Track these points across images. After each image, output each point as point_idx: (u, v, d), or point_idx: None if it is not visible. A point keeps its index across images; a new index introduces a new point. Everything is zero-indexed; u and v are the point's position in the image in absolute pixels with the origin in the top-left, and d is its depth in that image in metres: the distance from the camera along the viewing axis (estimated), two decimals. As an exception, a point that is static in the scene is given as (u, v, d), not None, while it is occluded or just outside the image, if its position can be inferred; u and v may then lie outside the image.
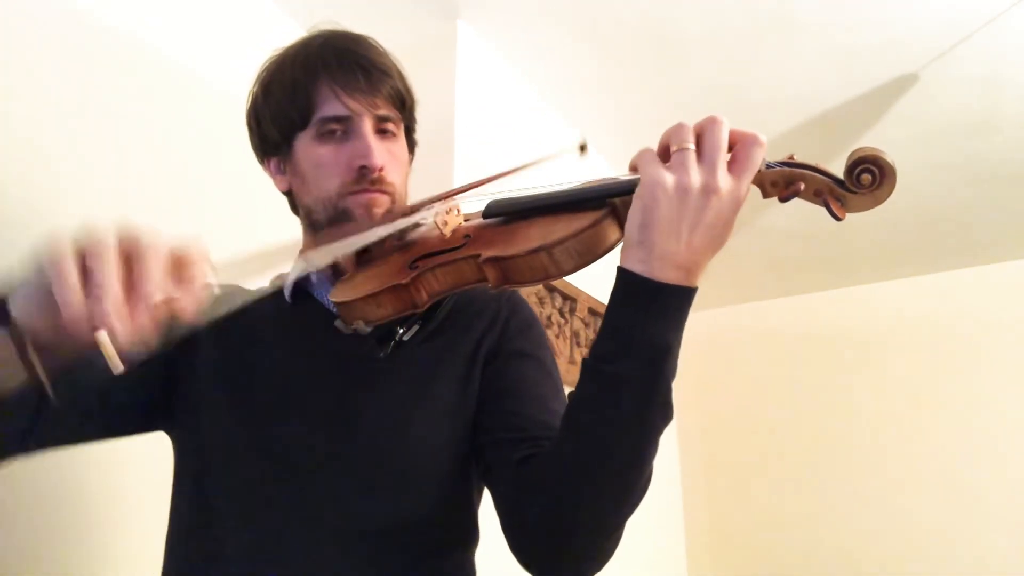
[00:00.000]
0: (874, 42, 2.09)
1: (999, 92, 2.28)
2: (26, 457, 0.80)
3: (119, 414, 0.88)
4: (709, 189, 0.62)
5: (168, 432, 0.93)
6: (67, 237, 0.53)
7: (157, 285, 0.54)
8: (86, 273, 0.52)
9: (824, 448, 3.44)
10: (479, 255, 0.73)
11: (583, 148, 0.87)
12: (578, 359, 2.37)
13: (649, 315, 0.65)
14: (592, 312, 2.45)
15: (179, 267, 0.55)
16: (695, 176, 0.62)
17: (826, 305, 3.62)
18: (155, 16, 1.58)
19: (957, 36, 2.06)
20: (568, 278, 1.62)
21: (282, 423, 0.85)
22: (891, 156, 0.60)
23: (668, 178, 0.63)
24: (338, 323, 0.83)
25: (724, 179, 0.63)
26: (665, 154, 0.65)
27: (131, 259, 0.54)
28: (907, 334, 3.40)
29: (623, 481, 0.70)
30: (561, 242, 0.68)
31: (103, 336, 0.51)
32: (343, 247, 0.76)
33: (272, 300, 0.98)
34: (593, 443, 0.68)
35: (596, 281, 2.25)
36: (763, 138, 0.64)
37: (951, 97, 2.31)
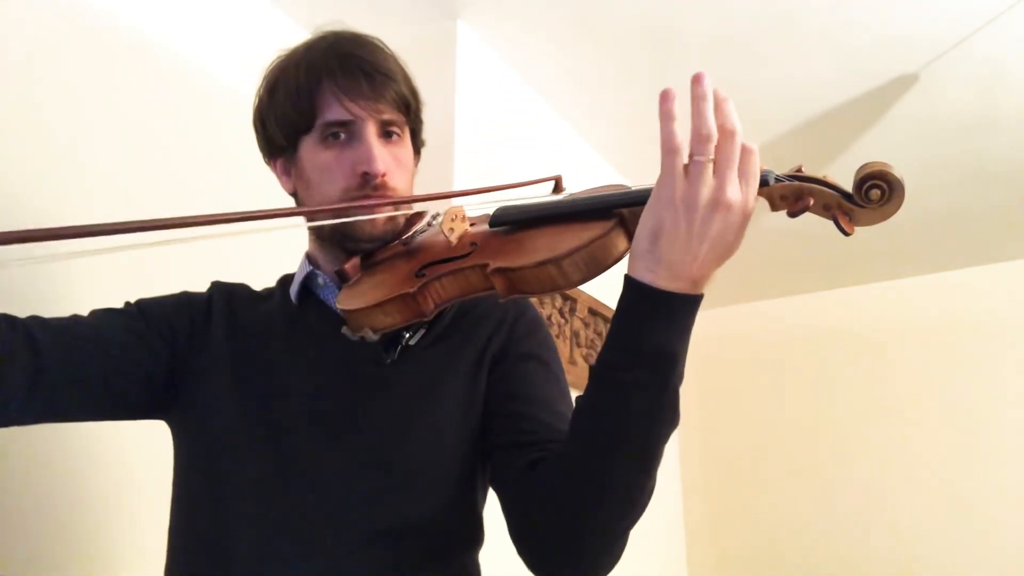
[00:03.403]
0: (874, 42, 2.09)
1: (999, 92, 2.28)
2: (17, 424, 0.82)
3: (120, 398, 0.87)
4: (718, 202, 0.62)
5: (170, 422, 0.93)
6: None
7: None
8: None
9: (824, 448, 3.44)
10: (487, 265, 0.73)
11: (557, 186, 0.88)
12: (578, 359, 2.37)
13: (656, 324, 0.66)
14: (592, 312, 2.45)
15: None
16: (706, 190, 0.62)
17: (826, 305, 3.62)
18: (158, 11, 1.58)
19: (957, 36, 2.06)
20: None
21: (290, 426, 0.85)
22: (899, 171, 0.60)
23: (680, 192, 0.62)
24: (345, 330, 0.83)
25: (734, 193, 0.62)
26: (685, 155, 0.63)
27: None
28: (908, 334, 3.40)
29: (630, 486, 0.71)
30: (569, 254, 0.68)
31: None
32: None
33: (279, 300, 0.98)
34: (601, 449, 0.69)
35: (597, 281, 2.25)
36: (755, 147, 0.63)
37: (951, 97, 2.31)
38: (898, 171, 0.60)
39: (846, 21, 2.01)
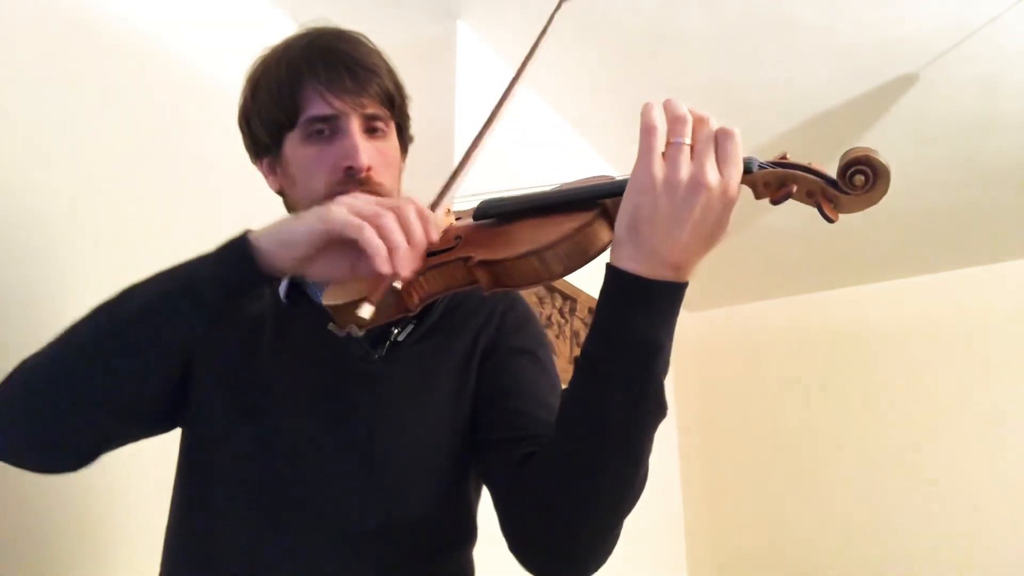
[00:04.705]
0: (874, 42, 2.09)
1: (999, 92, 2.28)
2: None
3: (159, 413, 0.87)
4: (698, 184, 0.61)
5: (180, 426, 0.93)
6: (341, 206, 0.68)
7: (423, 235, 0.68)
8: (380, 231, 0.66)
9: (824, 448, 3.44)
10: (470, 258, 0.72)
11: None
12: (578, 359, 2.36)
13: (639, 313, 0.64)
14: (592, 312, 2.45)
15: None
16: (684, 172, 0.61)
17: (826, 305, 3.62)
18: (155, 11, 1.58)
19: (957, 36, 2.05)
20: (568, 277, 1.62)
21: (280, 424, 0.85)
22: (885, 156, 0.59)
23: (657, 175, 0.62)
24: (331, 326, 0.83)
25: (712, 175, 0.61)
26: (662, 139, 0.63)
27: (401, 218, 0.67)
28: (907, 334, 3.40)
29: (619, 478, 0.70)
30: (551, 246, 0.67)
31: (398, 285, 0.66)
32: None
33: (269, 299, 0.97)
34: (587, 442, 0.69)
35: (596, 281, 2.25)
36: (735, 130, 0.62)
37: (951, 97, 2.31)
38: (883, 156, 0.59)
39: (846, 21, 2.01)
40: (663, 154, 0.62)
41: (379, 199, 0.70)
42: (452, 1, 1.95)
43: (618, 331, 0.66)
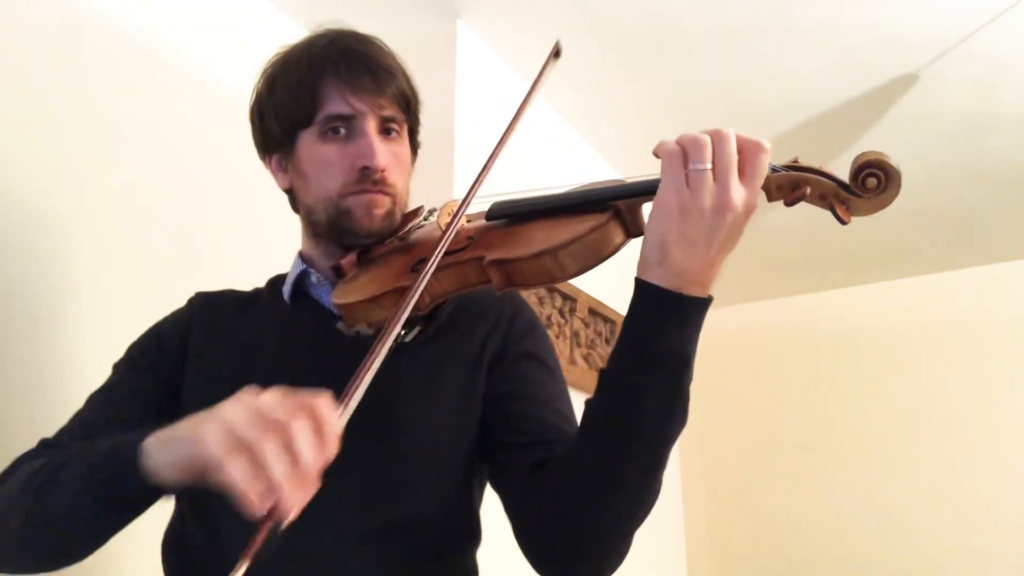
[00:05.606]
0: (874, 42, 2.09)
1: (999, 92, 2.28)
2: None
3: None
4: (724, 207, 0.63)
5: None
6: (218, 428, 0.55)
7: (315, 460, 0.55)
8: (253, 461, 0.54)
9: (824, 449, 3.44)
10: (483, 257, 0.73)
11: (557, 54, 0.88)
12: (578, 359, 2.36)
13: (670, 327, 0.67)
14: (592, 312, 2.45)
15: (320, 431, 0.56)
16: (710, 197, 0.63)
17: (826, 305, 3.62)
18: (155, 12, 1.58)
19: (957, 36, 2.06)
20: (569, 279, 1.62)
21: None
22: (896, 160, 0.60)
23: (684, 202, 0.64)
24: (340, 325, 0.83)
25: (737, 193, 0.63)
26: (683, 165, 0.65)
27: (286, 441, 0.55)
28: (907, 334, 3.40)
29: (640, 487, 0.71)
30: (565, 245, 0.68)
31: (283, 523, 0.53)
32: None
33: (269, 300, 0.97)
34: (613, 451, 0.70)
35: (596, 281, 2.25)
36: (767, 144, 0.64)
37: (951, 97, 2.31)
38: (894, 160, 0.60)
39: (846, 21, 2.01)
40: (687, 179, 0.64)
41: (270, 407, 0.57)
42: (452, 1, 1.95)
43: (650, 345, 0.68)
